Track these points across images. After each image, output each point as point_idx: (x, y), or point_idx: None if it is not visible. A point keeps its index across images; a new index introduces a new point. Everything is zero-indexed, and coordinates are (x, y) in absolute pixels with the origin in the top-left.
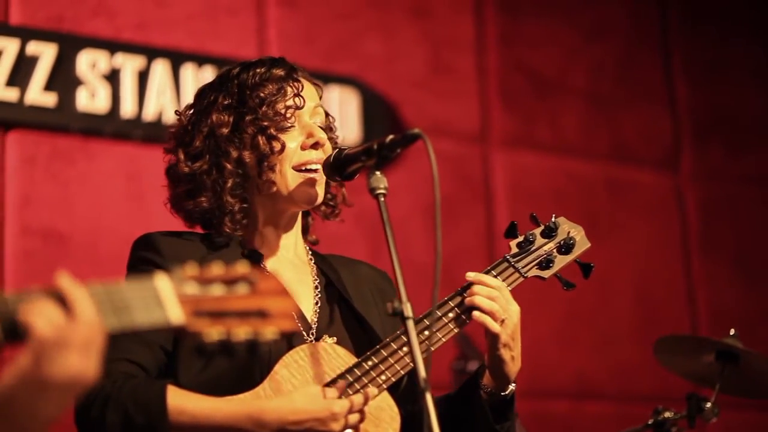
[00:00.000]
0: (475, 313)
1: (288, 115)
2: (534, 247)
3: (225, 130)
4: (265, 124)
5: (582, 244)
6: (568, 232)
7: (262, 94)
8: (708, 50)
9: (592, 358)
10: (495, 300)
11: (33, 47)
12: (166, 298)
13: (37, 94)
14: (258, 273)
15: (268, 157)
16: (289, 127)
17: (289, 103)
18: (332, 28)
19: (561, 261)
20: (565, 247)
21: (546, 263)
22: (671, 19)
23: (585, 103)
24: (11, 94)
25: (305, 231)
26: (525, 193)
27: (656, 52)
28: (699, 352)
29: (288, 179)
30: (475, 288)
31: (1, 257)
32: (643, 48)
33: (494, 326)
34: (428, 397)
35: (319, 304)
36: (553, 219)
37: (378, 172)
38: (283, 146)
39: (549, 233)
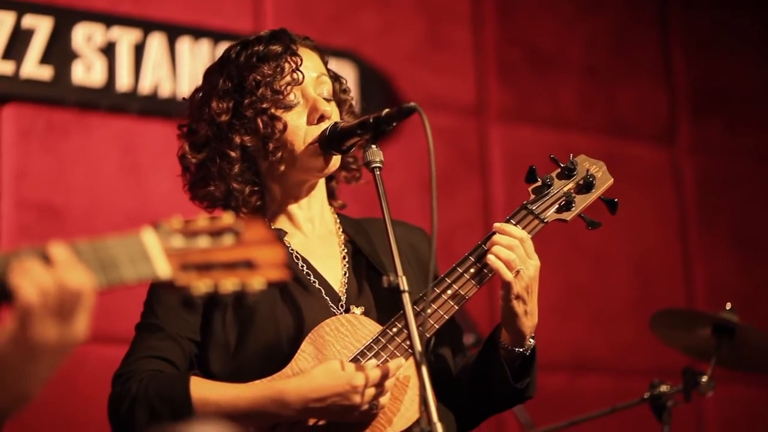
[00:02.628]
0: (490, 257)
1: (287, 92)
2: (552, 191)
3: (225, 117)
4: (265, 105)
5: (603, 180)
6: (587, 170)
7: (258, 76)
8: (705, 24)
9: (589, 332)
10: (513, 249)
11: (29, 20)
12: (153, 253)
13: (33, 68)
14: (244, 222)
15: (272, 138)
16: (293, 104)
17: (288, 79)
18: (328, 1)
19: (582, 201)
20: (585, 186)
21: (566, 205)
22: None
23: (582, 77)
24: (7, 68)
25: (331, 195)
26: (521, 166)
27: (653, 25)
28: (695, 326)
29: (298, 155)
30: (496, 237)
31: None
32: (640, 21)
33: (507, 274)
34: (424, 371)
35: (347, 275)
36: (571, 158)
37: (374, 146)
38: (285, 125)
39: (568, 174)
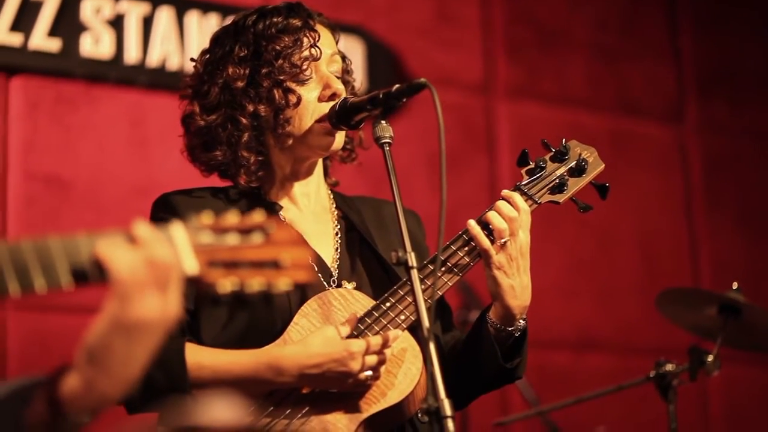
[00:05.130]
0: (470, 222)
1: (304, 67)
2: (545, 173)
3: (240, 84)
4: (281, 77)
5: (595, 165)
6: (580, 155)
7: (278, 47)
8: (713, 4)
9: (594, 310)
10: (510, 221)
11: None
12: (181, 248)
13: (41, 40)
14: (273, 222)
15: (284, 110)
16: (307, 79)
17: (305, 54)
18: None
19: (574, 184)
20: (578, 170)
21: (559, 188)
22: None
23: (590, 55)
24: (15, 40)
25: (325, 173)
26: (528, 144)
27: (661, 4)
28: (701, 306)
29: (306, 131)
30: (499, 203)
31: (4, 203)
32: (648, 1)
33: (483, 241)
34: (431, 347)
35: (339, 251)
36: (563, 142)
37: (383, 122)
38: (299, 99)
39: (560, 157)
